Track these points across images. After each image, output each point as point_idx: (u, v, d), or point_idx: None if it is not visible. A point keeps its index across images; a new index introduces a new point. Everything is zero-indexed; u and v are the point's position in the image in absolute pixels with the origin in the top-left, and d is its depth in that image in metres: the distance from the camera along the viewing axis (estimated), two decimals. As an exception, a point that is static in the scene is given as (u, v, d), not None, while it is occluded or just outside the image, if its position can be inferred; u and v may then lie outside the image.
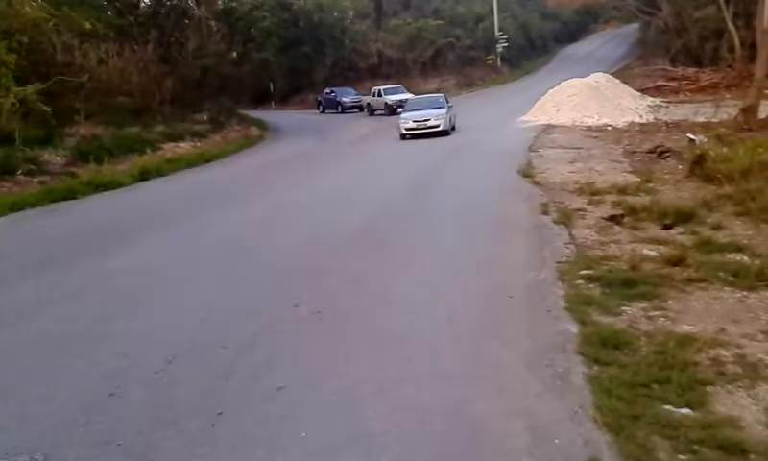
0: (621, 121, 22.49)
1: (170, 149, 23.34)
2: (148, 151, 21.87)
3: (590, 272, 6.50)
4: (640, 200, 9.76)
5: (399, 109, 34.48)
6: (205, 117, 29.62)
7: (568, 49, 63.03)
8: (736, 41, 30.40)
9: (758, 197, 8.61)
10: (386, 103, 36.04)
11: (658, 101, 28.26)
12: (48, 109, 19.07)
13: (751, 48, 24.47)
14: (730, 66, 32.09)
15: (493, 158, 16.65)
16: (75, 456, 3.97)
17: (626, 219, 8.83)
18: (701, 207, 8.95)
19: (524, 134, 20.92)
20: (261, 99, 47.55)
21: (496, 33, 51.43)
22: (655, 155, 14.73)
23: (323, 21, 42.77)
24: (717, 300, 5.63)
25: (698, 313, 5.34)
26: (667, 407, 3.87)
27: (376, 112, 36.32)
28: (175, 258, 8.83)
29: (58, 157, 18.71)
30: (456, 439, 3.86)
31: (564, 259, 7.12)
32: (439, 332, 5.44)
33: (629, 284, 6.02)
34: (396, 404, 4.26)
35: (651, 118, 22.11)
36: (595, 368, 4.43)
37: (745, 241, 7.28)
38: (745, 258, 6.63)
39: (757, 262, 6.37)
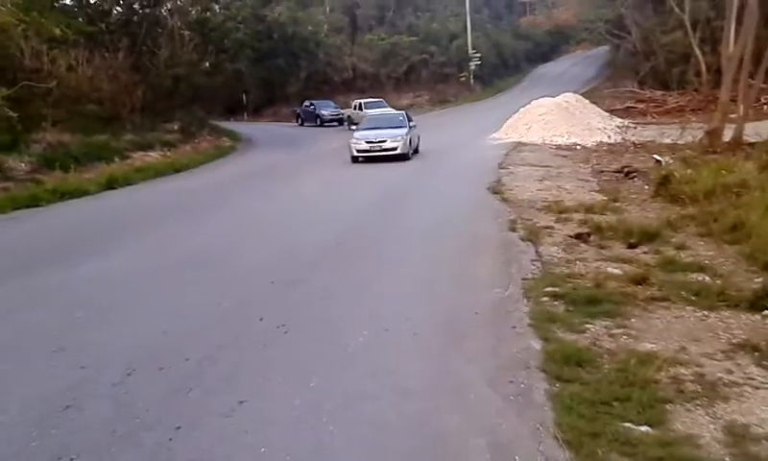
0: (590, 141, 22.81)
1: (139, 158, 23.06)
2: (116, 159, 21.56)
3: (556, 289, 6.54)
4: (607, 218, 9.87)
5: None
6: (176, 127, 29.32)
7: (540, 69, 63.84)
8: (702, 66, 31.13)
9: (721, 218, 8.78)
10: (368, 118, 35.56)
11: (626, 122, 28.71)
12: (14, 114, 18.71)
13: (716, 73, 25.03)
14: (696, 90, 32.82)
15: (464, 175, 16.75)
16: (26, 471, 3.86)
17: (592, 237, 8.93)
18: (665, 227, 9.09)
19: (495, 151, 21.09)
20: (234, 110, 47.27)
21: (470, 51, 51.94)
22: (622, 175, 14.98)
23: (297, 34, 42.76)
24: (679, 319, 5.70)
25: (660, 332, 5.40)
26: (627, 425, 3.89)
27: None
28: (139, 269, 8.68)
29: (22, 164, 18.35)
30: (418, 455, 3.84)
31: (531, 276, 7.16)
32: (404, 347, 5.42)
33: (593, 302, 6.07)
34: (359, 419, 4.23)
35: (619, 139, 22.48)
36: (557, 385, 4.44)
37: (707, 261, 7.40)
38: (707, 278, 6.73)
39: (718, 282, 6.47)
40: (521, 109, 27.94)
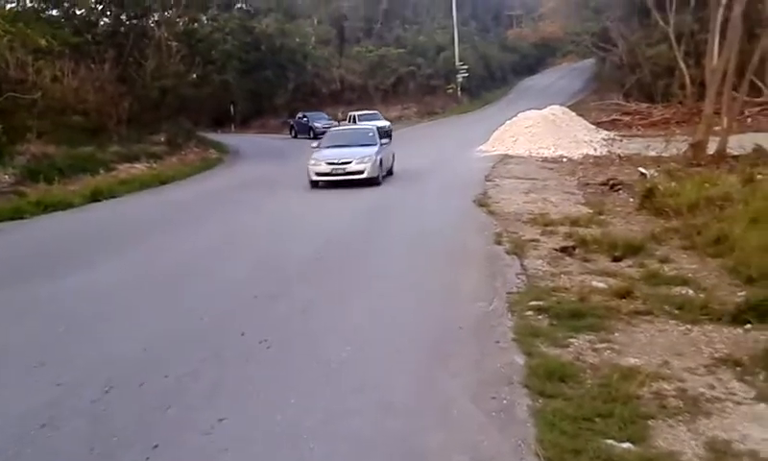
0: (576, 153, 22.92)
1: (125, 170, 22.93)
2: (101, 171, 21.42)
3: (540, 303, 6.53)
4: (592, 231, 9.89)
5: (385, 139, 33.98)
6: (163, 138, 29.20)
7: (527, 81, 64.22)
8: (687, 79, 31.44)
9: (704, 231, 8.83)
10: None
11: (612, 134, 28.85)
12: (-2, 125, 18.60)
13: (700, 86, 25.29)
14: (680, 103, 33.11)
15: (450, 187, 16.75)
16: (-1, 491, 3.78)
17: (577, 250, 8.94)
18: (649, 240, 9.12)
19: (482, 164, 21.15)
20: (221, 121, 47.18)
21: (457, 63, 52.16)
22: (607, 187, 15.04)
23: (285, 46, 42.77)
24: (662, 332, 5.70)
25: (643, 346, 5.40)
26: (609, 441, 3.87)
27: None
28: (121, 282, 8.59)
29: (6, 176, 18.19)
30: (398, 473, 3.80)
31: (515, 290, 7.15)
32: (387, 362, 5.38)
33: (577, 316, 6.06)
34: (340, 436, 4.18)
35: (605, 151, 22.58)
36: (540, 401, 4.42)
37: (690, 274, 7.42)
38: (690, 292, 6.75)
39: (702, 296, 6.49)
40: (508, 122, 28.05)
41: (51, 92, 23.99)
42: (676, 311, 6.13)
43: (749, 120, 27.81)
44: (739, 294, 6.46)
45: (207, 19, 35.64)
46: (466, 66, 52.34)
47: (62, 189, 17.85)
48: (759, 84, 21.15)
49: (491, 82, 60.14)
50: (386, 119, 34.65)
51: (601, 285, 7.14)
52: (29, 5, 27.66)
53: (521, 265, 8.31)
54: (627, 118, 34.70)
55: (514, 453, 3.83)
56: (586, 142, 25.03)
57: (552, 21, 63.22)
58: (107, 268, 9.48)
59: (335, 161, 17.31)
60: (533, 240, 9.73)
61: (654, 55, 38.36)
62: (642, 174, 15.18)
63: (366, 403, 4.62)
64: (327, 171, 17.28)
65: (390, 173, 19.07)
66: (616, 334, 5.67)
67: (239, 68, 42.96)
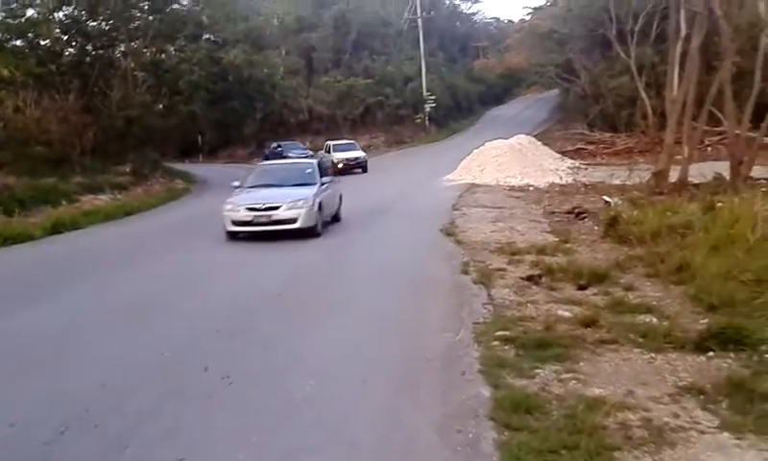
0: (542, 182, 23.20)
1: (88, 201, 22.53)
2: (64, 202, 21.01)
3: (506, 333, 6.51)
4: (558, 260, 9.94)
5: (358, 170, 31.19)
6: (128, 169, 28.87)
7: (493, 111, 65.12)
8: (648, 109, 32.16)
9: (667, 259, 8.93)
10: (333, 161, 30.15)
11: (577, 163, 29.39)
12: (-43, 157, 18.20)
13: (662, 116, 25.85)
14: (643, 132, 33.84)
15: (418, 216, 16.78)
16: None
17: (543, 279, 8.97)
18: (614, 268, 9.19)
19: (449, 193, 21.26)
20: (189, 152, 46.87)
21: (424, 93, 52.70)
22: (573, 215, 15.20)
23: (252, 76, 42.77)
24: (627, 361, 5.71)
25: (608, 375, 5.39)
26: (575, 475, 3.83)
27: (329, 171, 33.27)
28: (80, 317, 8.36)
29: (-35, 208, 17.76)
30: (361, 513, 3.70)
31: (482, 320, 7.12)
32: (351, 397, 5.29)
33: (543, 346, 6.04)
34: (302, 475, 4.08)
35: (570, 180, 22.95)
36: (506, 434, 4.37)
37: (654, 302, 7.48)
38: (654, 320, 6.79)
39: (665, 324, 6.54)
40: (475, 151, 28.35)
41: (13, 123, 23.67)
42: (640, 339, 6.16)
43: (709, 149, 28.51)
44: (701, 321, 6.52)
45: (174, 50, 35.51)
46: (433, 96, 52.90)
47: (23, 221, 17.42)
48: (718, 114, 21.65)
49: (458, 112, 60.84)
50: (362, 151, 34.34)
51: (567, 314, 7.15)
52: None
53: (488, 295, 8.30)
54: (591, 147, 35.35)
55: (479, 489, 3.77)
56: (551, 171, 25.38)
57: (517, 53, 64.35)
58: (65, 302, 9.24)
59: (258, 206, 13.62)
60: (500, 269, 9.74)
61: (616, 86, 39.25)
62: (607, 202, 15.39)
63: (328, 439, 4.53)
64: (248, 219, 13.61)
65: (336, 219, 15.75)
66: (582, 364, 5.66)
67: (206, 99, 42.82)
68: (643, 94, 33.19)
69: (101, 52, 30.90)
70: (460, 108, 61.58)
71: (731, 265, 7.85)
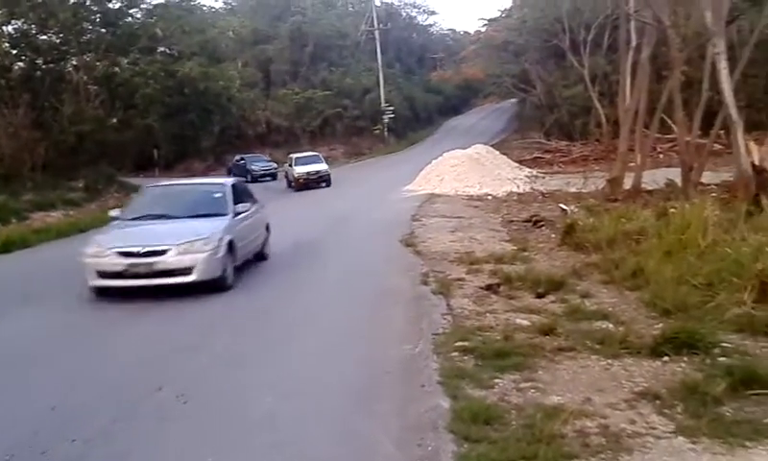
0: (500, 191, 23.43)
1: (39, 218, 21.97)
2: (13, 220, 20.45)
3: (465, 343, 6.49)
4: (516, 268, 9.99)
5: (322, 184, 29.82)
6: (81, 185, 28.25)
7: (452, 121, 65.75)
8: (602, 118, 32.86)
9: (622, 265, 9.06)
10: (294, 175, 30.75)
11: (534, 172, 29.79)
12: None
13: (615, 124, 26.43)
14: (598, 140, 34.55)
15: (378, 227, 16.77)
16: None
17: (502, 288, 9.00)
18: (571, 276, 9.28)
19: (408, 203, 21.30)
20: (145, 166, 46.01)
21: (383, 104, 52.97)
22: (530, 224, 15.36)
23: (209, 89, 42.32)
24: (584, 368, 5.74)
25: (566, 383, 5.41)
26: (534, 485, 3.82)
27: (293, 184, 31.26)
28: (28, 338, 8.08)
29: None
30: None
31: (441, 331, 7.08)
32: (309, 413, 5.21)
33: (501, 355, 6.04)
34: (259, 496, 3.97)
35: (528, 188, 23.22)
36: (465, 446, 4.32)
37: (610, 308, 7.56)
38: (610, 326, 6.85)
39: (621, 329, 6.60)
40: (434, 162, 28.52)
41: (-41, 139, 22.93)
42: (597, 346, 6.20)
43: (661, 156, 29.20)
44: (656, 326, 6.60)
45: (128, 63, 34.96)
46: (391, 108, 53.19)
47: (-31, 241, 16.86)
48: (669, 121, 22.21)
49: (416, 122, 61.28)
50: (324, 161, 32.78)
51: (525, 323, 7.17)
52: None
53: (447, 305, 8.28)
54: (548, 156, 35.94)
55: (438, 503, 3.72)
56: (509, 180, 25.66)
57: (474, 64, 65.10)
58: (10, 324, 8.91)
59: (135, 250, 9.46)
60: (459, 279, 9.75)
61: (571, 95, 40.06)
62: (563, 210, 15.60)
63: (287, 457, 4.44)
64: (119, 269, 9.44)
65: (261, 257, 12.12)
66: (540, 372, 5.67)
67: (162, 112, 42.19)
68: (597, 103, 33.90)
69: (51, 66, 30.33)
70: (418, 118, 62.06)
71: (683, 270, 7.99)
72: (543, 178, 27.09)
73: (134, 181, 36.49)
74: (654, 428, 4.47)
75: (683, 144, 18.27)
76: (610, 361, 5.83)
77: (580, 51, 36.44)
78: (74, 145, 29.53)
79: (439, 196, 23.22)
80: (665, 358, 5.76)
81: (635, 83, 20.40)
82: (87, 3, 31.36)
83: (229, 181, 12.75)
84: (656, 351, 5.88)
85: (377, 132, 53.28)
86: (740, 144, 14.10)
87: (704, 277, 7.62)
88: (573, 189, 20.34)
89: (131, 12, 34.75)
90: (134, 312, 9.03)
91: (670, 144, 28.69)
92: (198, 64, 41.27)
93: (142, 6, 35.09)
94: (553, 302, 8.13)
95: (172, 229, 9.99)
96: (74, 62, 31.83)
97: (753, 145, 15.25)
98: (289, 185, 31.85)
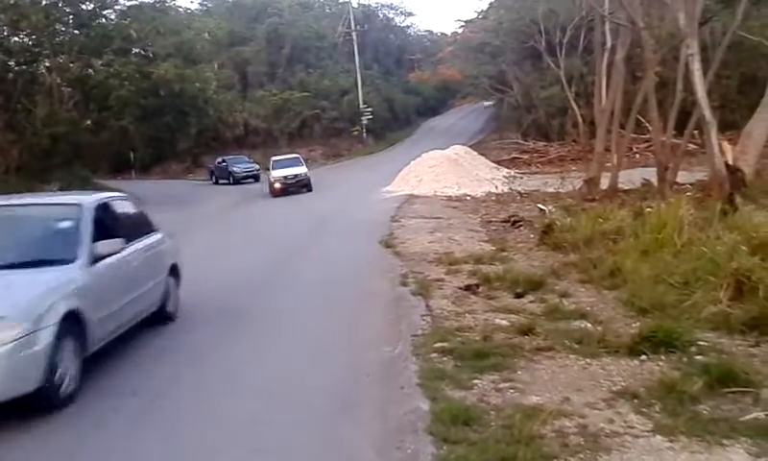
0: (479, 191, 23.49)
1: (13, 222, 21.59)
2: (-14, 224, 20.08)
3: (445, 344, 6.47)
4: (495, 269, 10.01)
5: (303, 190, 27.82)
6: (55, 188, 27.82)
7: (430, 122, 65.93)
8: (579, 118, 33.08)
9: (599, 265, 9.11)
10: (270, 180, 29.11)
11: (512, 172, 29.92)
12: None
13: (591, 125, 26.60)
14: (575, 141, 34.80)
15: (357, 228, 16.74)
16: None
17: (481, 288, 9.01)
18: (549, 275, 9.31)
19: (388, 204, 21.27)
20: (121, 168, 45.63)
21: (361, 105, 52.94)
22: (509, 224, 15.40)
23: (185, 91, 41.91)
24: (563, 368, 5.75)
25: (545, 383, 5.41)
26: (514, 486, 3.80)
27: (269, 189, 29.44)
28: None
29: None
30: None
31: (420, 332, 7.06)
32: (288, 418, 5.17)
33: (481, 356, 6.03)
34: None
35: (506, 189, 23.29)
36: (444, 448, 4.30)
37: (588, 308, 7.59)
38: (588, 325, 6.87)
39: (599, 329, 6.63)
40: (412, 162, 28.53)
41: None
42: (576, 346, 6.21)
43: (637, 156, 29.51)
44: (634, 325, 6.64)
45: (102, 64, 34.52)
46: (370, 109, 53.20)
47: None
48: (644, 122, 22.45)
49: (395, 123, 61.34)
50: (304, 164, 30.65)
51: (504, 323, 7.18)
52: None
53: (426, 306, 8.26)
54: (526, 156, 36.15)
55: (418, 507, 3.69)
56: (488, 180, 25.73)
57: (451, 65, 65.28)
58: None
59: None
60: (438, 280, 9.74)
61: (547, 96, 40.34)
62: (541, 210, 15.68)
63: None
64: None
65: (162, 318, 8.19)
66: (519, 372, 5.67)
67: (138, 114, 41.80)
68: (573, 104, 34.15)
69: (24, 67, 29.83)
70: (397, 119, 62.13)
71: (660, 269, 8.06)
72: (521, 178, 27.20)
73: (111, 183, 36.19)
74: (632, 427, 4.49)
75: (658, 144, 18.45)
76: (588, 360, 5.85)
77: (556, 52, 36.66)
78: (48, 147, 29.12)
79: (418, 197, 23.22)
80: (643, 357, 5.78)
81: (610, 83, 20.60)
82: (60, 4, 30.87)
83: (94, 198, 7.52)
84: (633, 350, 5.90)
85: (356, 133, 53.25)
86: (714, 144, 14.25)
87: (680, 275, 7.69)
88: (551, 189, 20.44)
89: (104, 13, 34.27)
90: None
91: (646, 144, 29.04)
92: (173, 66, 40.90)
93: (116, 7, 34.61)
94: (532, 301, 8.14)
95: None
96: (47, 64, 31.39)
97: (726, 145, 15.47)
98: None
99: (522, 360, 5.95)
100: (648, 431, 4.40)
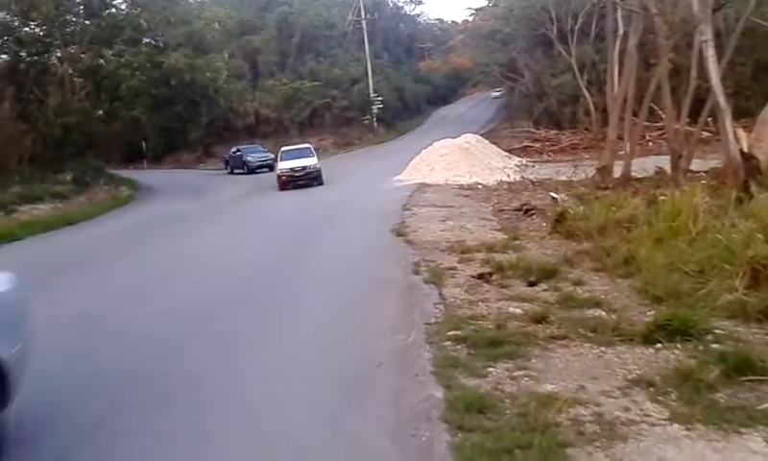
0: (491, 180, 23.40)
1: (27, 211, 21.83)
2: (0, 214, 20.27)
3: (458, 332, 6.45)
4: (508, 257, 9.96)
5: (314, 183, 26.15)
6: (69, 177, 28.03)
7: (441, 111, 65.71)
8: (591, 106, 32.86)
9: (613, 253, 9.04)
10: (277, 172, 27.41)
11: (524, 161, 29.76)
12: None
13: (604, 112, 26.43)
14: (587, 129, 34.56)
15: (369, 216, 16.75)
16: None
17: (494, 277, 8.97)
18: (563, 264, 9.25)
19: (399, 193, 21.25)
20: (133, 158, 45.93)
21: (371, 94, 52.80)
22: (521, 212, 15.33)
23: (195, 81, 42.00)
24: (577, 356, 5.72)
25: (559, 371, 5.39)
26: (529, 474, 3.79)
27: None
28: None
29: None
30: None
31: (434, 320, 7.04)
32: (302, 406, 5.17)
33: (494, 344, 6.01)
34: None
35: (518, 177, 23.15)
36: (459, 436, 4.29)
37: (602, 296, 7.54)
38: (603, 313, 6.83)
39: (613, 317, 6.59)
40: (424, 151, 28.46)
41: (-57, 133, 22.66)
42: (590, 334, 6.18)
43: (650, 144, 29.29)
44: (648, 314, 6.59)
45: (113, 54, 34.62)
46: (380, 98, 53.07)
47: (-45, 236, 16.73)
48: (658, 109, 22.26)
49: (405, 112, 61.17)
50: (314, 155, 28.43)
51: (518, 311, 7.15)
52: None
53: (439, 294, 8.24)
54: (537, 145, 35.95)
55: (434, 494, 3.69)
56: (499, 169, 25.63)
57: (462, 53, 64.94)
58: None
59: None
60: (450, 268, 9.71)
61: (559, 84, 40.03)
62: (554, 199, 15.59)
63: (277, 455, 4.39)
64: None
65: None
66: (533, 361, 5.65)
67: (149, 104, 41.96)
68: (585, 92, 33.92)
69: (36, 58, 29.91)
70: (407, 108, 61.95)
71: (674, 257, 7.99)
72: (533, 166, 27.01)
73: (124, 173, 36.48)
74: (648, 416, 4.46)
75: (671, 132, 18.29)
76: (603, 349, 5.81)
77: (567, 40, 36.39)
78: (60, 137, 29.27)
79: (429, 186, 23.18)
80: (658, 345, 5.74)
81: (622, 71, 20.39)
82: (70, -6, 31.04)
83: None
84: (648, 339, 5.86)
85: (366, 122, 53.16)
86: (728, 131, 14.10)
87: (695, 263, 7.62)
88: (563, 178, 20.32)
89: (114, 3, 34.40)
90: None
91: (659, 132, 28.82)
92: (184, 56, 40.99)
93: (126, -4, 34.76)
94: (545, 290, 8.10)
95: None
96: (58, 54, 31.50)
97: (741, 132, 15.31)
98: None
99: (536, 348, 5.92)
100: (665, 420, 4.37)
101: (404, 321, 7.21)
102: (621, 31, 21.04)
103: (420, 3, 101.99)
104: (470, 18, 60.68)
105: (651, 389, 4.87)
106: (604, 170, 18.94)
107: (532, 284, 8.44)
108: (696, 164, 18.28)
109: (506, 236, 12.18)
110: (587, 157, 26.64)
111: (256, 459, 4.37)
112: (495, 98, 61.28)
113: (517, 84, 48.56)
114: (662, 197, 11.02)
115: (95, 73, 32.89)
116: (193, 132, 47.64)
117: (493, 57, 51.30)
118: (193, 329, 7.63)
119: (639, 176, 17.97)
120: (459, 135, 30.88)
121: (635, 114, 20.86)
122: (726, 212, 9.47)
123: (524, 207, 15.63)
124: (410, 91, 63.54)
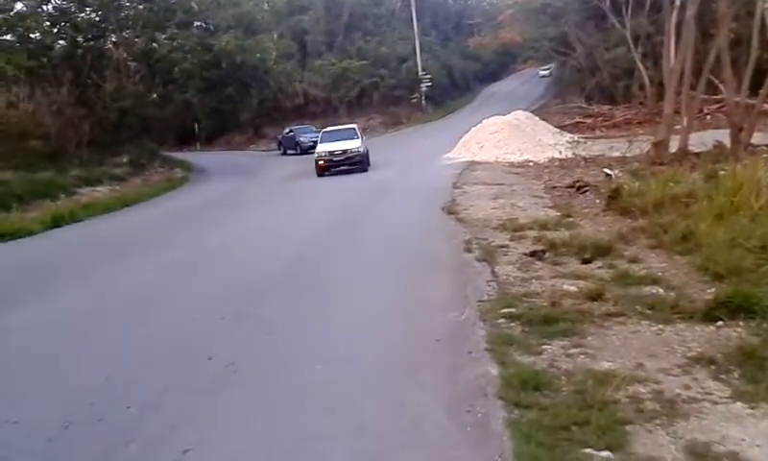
0: (542, 157, 23.04)
1: (87, 194, 22.47)
2: (62, 196, 20.95)
3: (512, 310, 6.43)
4: (560, 235, 9.85)
5: (356, 167, 23.25)
6: (125, 160, 28.75)
7: (490, 88, 64.89)
8: (646, 80, 31.85)
9: (670, 230, 8.82)
10: (315, 158, 24.24)
11: (576, 137, 29.17)
12: (-48, 154, 18.11)
13: (659, 86, 25.60)
14: (641, 103, 33.56)
15: (419, 194, 16.70)
16: None
17: (547, 254, 8.88)
18: (618, 241, 9.09)
19: (449, 171, 21.11)
20: (186, 140, 46.77)
21: (420, 72, 52.40)
22: (574, 189, 15.07)
23: (246, 62, 42.42)
24: (635, 334, 5.63)
25: (616, 349, 5.32)
26: (587, 451, 3.77)
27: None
28: (81, 311, 8.30)
29: (-39, 205, 17.68)
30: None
31: (486, 298, 7.03)
32: (358, 381, 5.23)
33: (549, 322, 5.97)
34: (311, 462, 3.98)
35: (570, 154, 22.74)
36: (515, 412, 4.30)
37: (660, 273, 7.38)
38: (660, 291, 6.71)
39: (672, 294, 6.46)
40: (473, 129, 28.15)
41: (7, 118, 23.48)
42: (648, 311, 6.07)
43: (708, 118, 28.32)
44: (709, 291, 6.43)
45: (165, 38, 35.17)
46: (429, 76, 52.60)
47: (21, 216, 17.37)
48: (716, 82, 21.48)
49: (454, 90, 60.58)
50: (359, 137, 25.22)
51: (572, 289, 7.07)
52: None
53: (492, 272, 8.20)
54: (590, 121, 35.14)
55: (491, 469, 3.71)
56: (550, 146, 25.21)
57: (511, 28, 63.74)
58: (67, 296, 9.19)
59: None
60: (502, 246, 9.64)
61: (612, 58, 38.94)
62: (607, 175, 15.29)
63: (336, 426, 4.46)
64: None
65: None
66: (589, 338, 5.59)
67: (201, 86, 42.60)
68: (640, 65, 32.87)
69: (92, 43, 30.57)
70: (456, 86, 61.34)
71: (736, 233, 7.75)
72: (585, 143, 26.50)
73: (177, 155, 37.24)
74: (710, 394, 4.38)
75: (731, 105, 17.65)
76: (661, 326, 5.71)
77: (621, 12, 35.26)
78: (117, 121, 29.98)
79: (479, 163, 22.96)
80: (719, 323, 5.61)
81: (679, 43, 19.72)
82: (124, -21, 31.59)
83: None
84: (709, 316, 5.73)
85: (415, 100, 52.81)
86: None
87: (758, 239, 7.38)
88: (617, 154, 19.84)
89: (165, -13, 34.90)
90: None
91: (717, 105, 27.82)
92: (234, 38, 41.39)
93: (177, -20, 35.16)
94: (600, 267, 7.98)
95: None
96: (113, 39, 32.11)
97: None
98: None
99: (592, 326, 5.86)
100: (727, 398, 4.29)
101: (457, 298, 7.19)
102: (678, 1, 20.34)
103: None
104: (520, -7, 59.45)
105: (712, 367, 4.78)
106: (660, 145, 18.43)
107: (586, 262, 8.32)
108: (757, 138, 17.65)
109: (558, 214, 12.01)
110: (641, 132, 25.91)
111: (323, 428, 4.43)
112: (543, 77, 60.12)
113: (569, 58, 47.45)
114: (723, 171, 10.68)
115: (149, 57, 33.49)
116: (244, 113, 48.21)
117: (544, 31, 50.14)
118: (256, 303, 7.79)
119: (697, 150, 17.44)
120: (509, 112, 30.44)
121: (692, 87, 20.19)
122: (790, 187, 9.13)
123: (577, 184, 15.35)
124: (459, 68, 62.83)
